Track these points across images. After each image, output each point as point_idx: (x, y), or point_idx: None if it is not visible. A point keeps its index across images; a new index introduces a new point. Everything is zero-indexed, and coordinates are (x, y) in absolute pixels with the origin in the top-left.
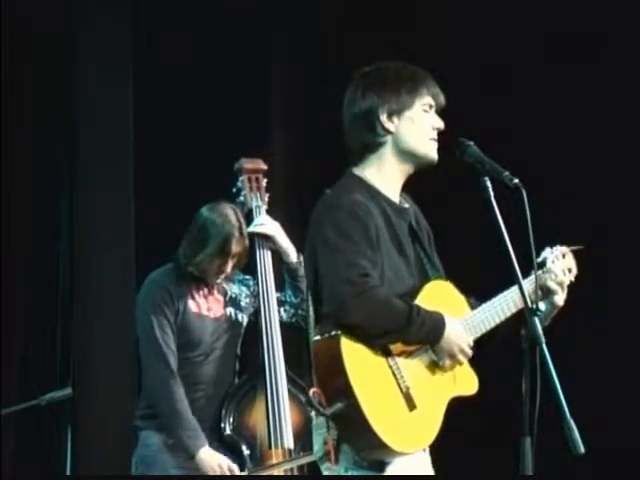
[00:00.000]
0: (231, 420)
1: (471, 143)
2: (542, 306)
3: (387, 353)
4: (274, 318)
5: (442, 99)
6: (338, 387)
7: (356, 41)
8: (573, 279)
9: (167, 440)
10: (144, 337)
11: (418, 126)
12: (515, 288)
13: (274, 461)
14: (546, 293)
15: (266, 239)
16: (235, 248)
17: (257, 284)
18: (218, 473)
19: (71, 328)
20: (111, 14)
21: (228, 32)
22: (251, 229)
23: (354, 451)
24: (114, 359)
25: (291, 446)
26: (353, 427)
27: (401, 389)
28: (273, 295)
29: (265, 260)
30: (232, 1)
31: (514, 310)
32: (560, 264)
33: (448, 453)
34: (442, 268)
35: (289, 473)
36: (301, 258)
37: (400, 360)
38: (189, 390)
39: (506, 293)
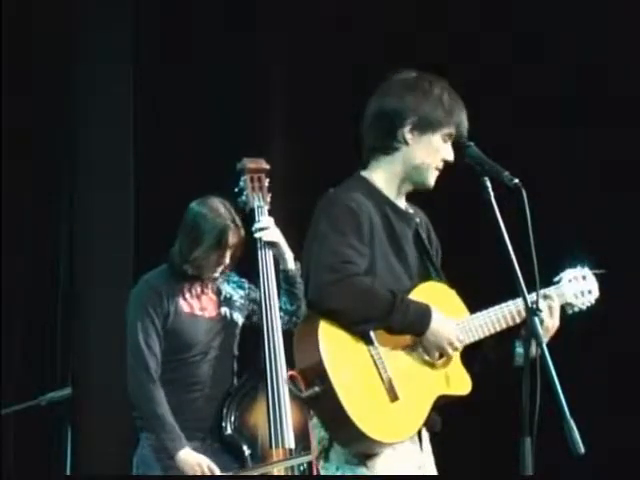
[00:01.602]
0: (232, 420)
1: (471, 143)
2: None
3: (369, 343)
4: (276, 318)
5: (465, 132)
6: (314, 371)
7: (357, 41)
8: (593, 301)
9: None
10: (129, 340)
11: (431, 152)
12: (518, 301)
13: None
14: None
15: (269, 243)
16: (232, 240)
17: (259, 284)
18: (198, 472)
19: (71, 328)
20: (112, 13)
21: (229, 31)
22: (256, 234)
23: (340, 445)
24: (114, 359)
25: (292, 446)
26: (329, 413)
27: (382, 379)
28: (275, 295)
29: (267, 260)
30: (233, 1)
31: (511, 322)
32: (575, 286)
33: (448, 453)
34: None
35: (290, 473)
36: (298, 265)
37: (384, 351)
38: (188, 390)
39: (509, 303)
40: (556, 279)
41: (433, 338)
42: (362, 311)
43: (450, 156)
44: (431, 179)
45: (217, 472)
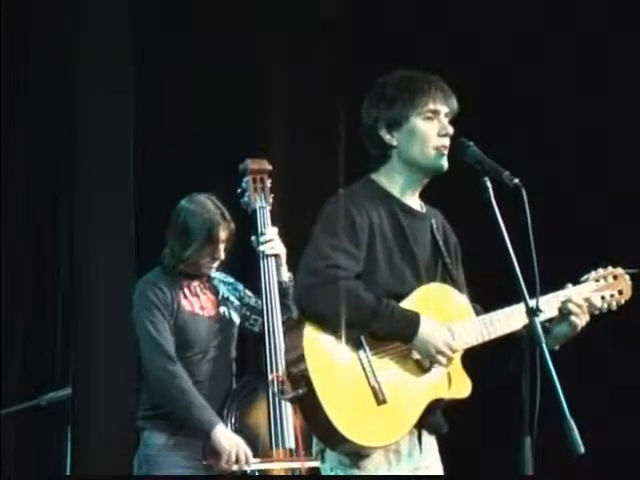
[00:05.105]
0: (233, 420)
1: (471, 143)
2: (561, 328)
3: (360, 346)
4: (277, 320)
5: (452, 103)
6: (298, 374)
7: (357, 41)
8: (623, 302)
9: (170, 439)
10: (141, 334)
11: (418, 137)
12: (520, 307)
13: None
14: (566, 314)
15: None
16: (222, 234)
17: (262, 287)
18: (233, 452)
19: (71, 328)
20: (112, 13)
21: (229, 31)
22: (261, 246)
23: (328, 448)
24: (114, 359)
25: (292, 446)
26: (313, 416)
27: (369, 382)
28: (277, 299)
29: (270, 267)
30: (233, 1)
31: (520, 324)
32: (602, 285)
33: (449, 453)
34: (464, 284)
35: (290, 473)
36: (292, 276)
37: (374, 355)
38: None
39: (510, 308)
40: (583, 279)
41: (421, 345)
42: (344, 316)
43: (444, 129)
44: (436, 161)
45: (250, 458)
